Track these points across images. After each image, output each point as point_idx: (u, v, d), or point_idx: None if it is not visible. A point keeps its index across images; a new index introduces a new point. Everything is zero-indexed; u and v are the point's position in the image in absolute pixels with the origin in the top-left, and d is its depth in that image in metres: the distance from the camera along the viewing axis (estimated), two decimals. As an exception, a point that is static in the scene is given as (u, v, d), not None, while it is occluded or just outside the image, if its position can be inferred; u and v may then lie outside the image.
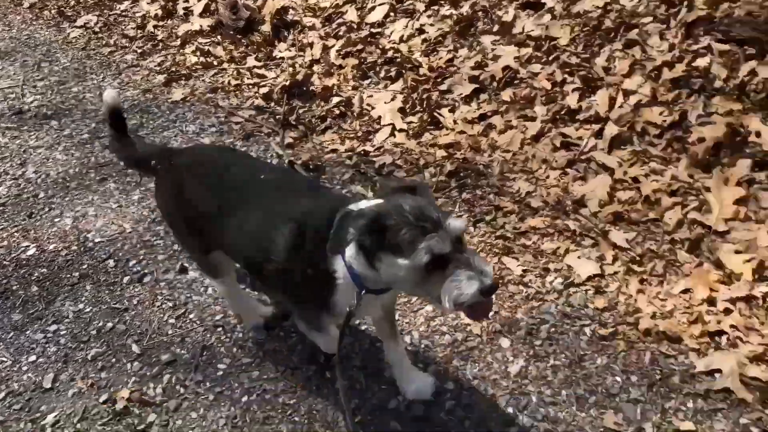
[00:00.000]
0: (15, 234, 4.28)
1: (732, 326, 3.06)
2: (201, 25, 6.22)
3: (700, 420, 2.78)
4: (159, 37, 6.52)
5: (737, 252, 3.33)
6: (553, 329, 3.23)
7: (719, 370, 2.91)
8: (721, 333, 3.07)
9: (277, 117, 5.01)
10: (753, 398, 2.79)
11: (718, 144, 3.74)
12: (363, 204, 2.18)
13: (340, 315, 2.32)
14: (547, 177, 4.06)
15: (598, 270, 3.46)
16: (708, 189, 3.61)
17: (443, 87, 4.84)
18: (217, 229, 2.60)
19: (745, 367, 2.88)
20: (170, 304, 3.65)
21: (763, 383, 2.82)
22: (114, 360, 3.39)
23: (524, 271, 3.58)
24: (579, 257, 3.56)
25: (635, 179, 3.82)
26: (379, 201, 2.13)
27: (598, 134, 4.10)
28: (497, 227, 3.86)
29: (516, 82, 4.68)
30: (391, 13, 5.56)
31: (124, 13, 7.07)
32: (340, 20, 5.77)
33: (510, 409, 2.89)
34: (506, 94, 4.60)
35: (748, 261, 3.25)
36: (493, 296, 2.07)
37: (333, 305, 2.31)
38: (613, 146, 4.02)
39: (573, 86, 4.40)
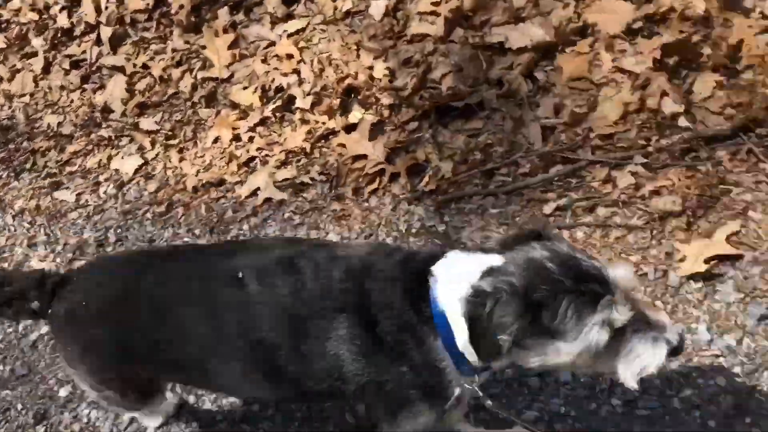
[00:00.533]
0: None
1: (258, 149, 3.44)
2: None
3: (256, 233, 3.13)
4: None
5: (244, 88, 3.67)
6: (119, 230, 3.31)
7: (258, 188, 3.27)
8: (252, 159, 3.43)
9: None
10: (288, 194, 3.22)
11: (196, 5, 3.98)
12: (460, 261, 1.61)
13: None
14: (71, 101, 3.98)
15: (141, 160, 3.57)
16: (204, 47, 3.87)
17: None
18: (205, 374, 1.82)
19: (275, 175, 3.28)
20: None
21: (290, 179, 3.25)
22: None
23: (78, 195, 3.56)
24: (122, 157, 3.63)
25: (145, 66, 3.93)
26: (496, 257, 1.55)
27: (98, 41, 4.09)
28: (41, 169, 3.74)
29: (3, 26, 4.39)
30: None
31: None
32: None
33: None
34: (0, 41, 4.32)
35: (254, 91, 3.62)
36: None
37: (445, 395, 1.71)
38: (115, 46, 4.05)
39: (59, 6, 4.28)
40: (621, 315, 1.44)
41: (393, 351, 1.62)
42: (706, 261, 2.45)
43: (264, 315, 1.68)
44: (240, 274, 1.71)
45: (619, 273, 1.49)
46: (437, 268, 1.61)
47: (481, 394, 1.67)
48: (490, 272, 1.50)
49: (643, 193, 2.72)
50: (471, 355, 1.57)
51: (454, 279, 1.55)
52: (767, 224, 2.51)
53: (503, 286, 1.43)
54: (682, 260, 2.50)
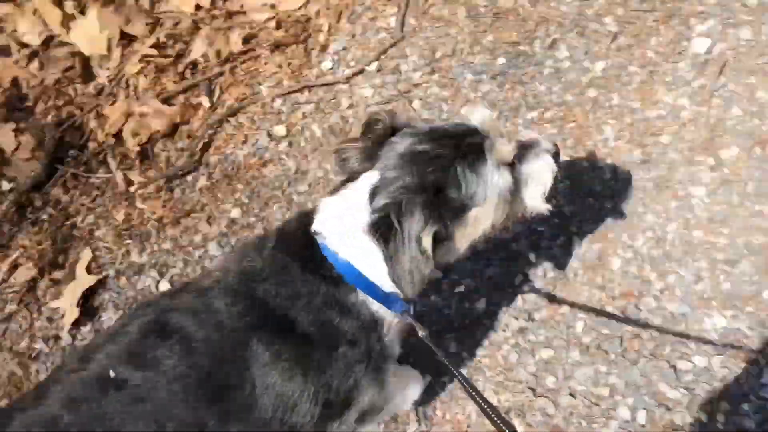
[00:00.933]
0: None
1: None
2: None
3: None
4: None
5: None
6: None
7: None
8: None
9: None
10: None
11: None
12: (338, 203, 1.43)
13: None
14: None
15: None
16: None
17: None
18: None
19: None
20: None
21: None
22: None
23: None
24: None
25: None
26: (369, 174, 1.40)
27: None
28: None
29: None
30: None
31: None
32: None
33: None
34: None
35: None
36: None
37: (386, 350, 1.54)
38: None
39: None
40: (506, 147, 1.44)
41: (325, 339, 1.42)
42: (78, 304, 2.38)
43: (164, 399, 1.33)
44: (111, 373, 1.34)
45: (479, 115, 1.46)
46: (318, 225, 1.43)
47: (418, 327, 1.49)
48: (375, 190, 1.36)
49: (2, 277, 2.52)
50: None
51: (343, 222, 1.39)
52: (111, 235, 2.52)
53: (398, 192, 1.32)
54: (63, 316, 2.40)
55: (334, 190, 1.47)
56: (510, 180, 1.44)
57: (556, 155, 1.57)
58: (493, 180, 1.41)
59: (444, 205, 1.35)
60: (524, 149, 1.52)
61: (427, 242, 1.30)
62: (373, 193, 1.37)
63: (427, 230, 1.29)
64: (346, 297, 1.43)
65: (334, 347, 1.43)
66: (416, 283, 1.33)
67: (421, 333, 1.49)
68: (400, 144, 1.41)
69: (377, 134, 1.45)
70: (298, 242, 1.46)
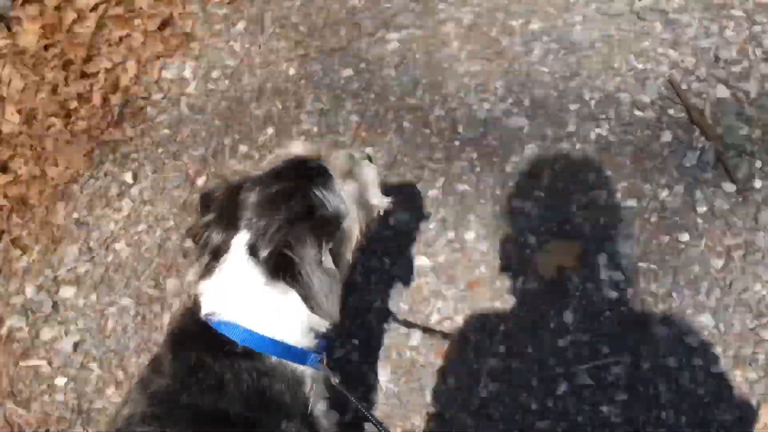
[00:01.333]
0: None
1: None
2: None
3: None
4: None
5: None
6: None
7: None
8: None
9: None
10: None
11: None
12: (221, 280, 1.35)
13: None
14: None
15: None
16: None
17: None
18: None
19: None
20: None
21: None
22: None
23: None
24: None
25: None
26: (238, 237, 1.35)
27: None
28: None
29: None
30: None
31: None
32: None
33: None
34: None
35: None
36: None
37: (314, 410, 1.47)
38: None
39: None
40: (341, 160, 1.48)
41: (266, 414, 1.31)
42: None
43: None
44: None
45: (297, 148, 1.47)
46: (208, 308, 1.32)
47: (330, 375, 1.43)
48: (254, 246, 1.31)
49: None
50: (310, 330, 1.38)
51: (234, 292, 1.32)
52: None
53: (278, 234, 1.29)
54: None
55: (206, 272, 1.37)
56: (356, 186, 1.48)
57: (369, 158, 1.62)
58: (345, 191, 1.43)
59: (324, 224, 1.34)
60: (347, 159, 1.56)
61: (328, 260, 1.30)
62: (253, 249, 1.31)
63: (324, 249, 1.30)
64: (264, 365, 1.33)
65: (277, 422, 1.33)
66: (336, 305, 1.31)
67: (333, 380, 1.43)
68: (251, 197, 1.36)
69: (223, 200, 1.41)
70: (195, 335, 1.35)
